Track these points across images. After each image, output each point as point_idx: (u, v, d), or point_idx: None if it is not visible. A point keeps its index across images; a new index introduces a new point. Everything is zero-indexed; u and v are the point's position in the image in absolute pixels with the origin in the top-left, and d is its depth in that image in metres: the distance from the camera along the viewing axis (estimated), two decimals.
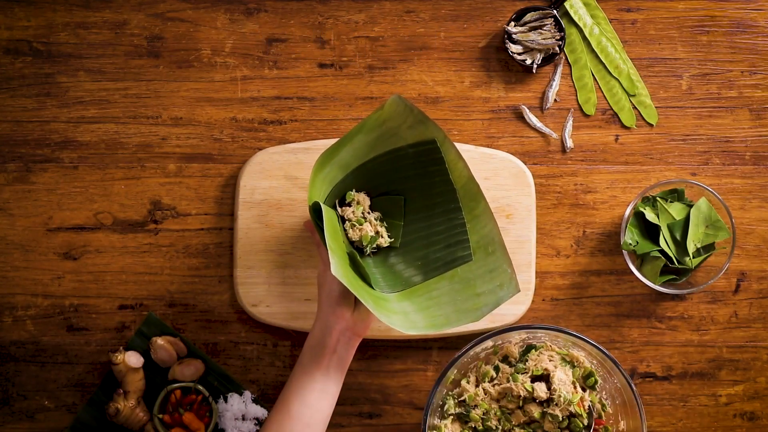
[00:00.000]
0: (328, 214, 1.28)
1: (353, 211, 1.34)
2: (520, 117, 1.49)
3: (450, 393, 1.40)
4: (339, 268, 1.22)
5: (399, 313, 1.30)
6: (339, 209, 1.35)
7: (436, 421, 1.38)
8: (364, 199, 1.36)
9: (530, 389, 1.38)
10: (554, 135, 1.48)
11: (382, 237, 1.36)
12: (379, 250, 1.37)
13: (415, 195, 1.36)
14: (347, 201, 1.36)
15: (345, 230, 1.34)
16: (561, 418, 1.36)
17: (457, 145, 1.45)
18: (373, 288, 1.32)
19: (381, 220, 1.37)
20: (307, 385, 1.28)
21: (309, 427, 1.27)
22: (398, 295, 1.34)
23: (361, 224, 1.34)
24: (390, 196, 1.37)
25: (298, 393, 1.28)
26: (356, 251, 1.35)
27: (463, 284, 1.34)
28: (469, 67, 1.49)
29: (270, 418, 1.29)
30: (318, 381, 1.29)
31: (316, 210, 1.29)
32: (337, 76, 1.48)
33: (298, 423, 1.27)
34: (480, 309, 1.32)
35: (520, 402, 1.39)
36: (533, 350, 1.41)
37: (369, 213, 1.36)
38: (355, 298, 1.29)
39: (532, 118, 1.48)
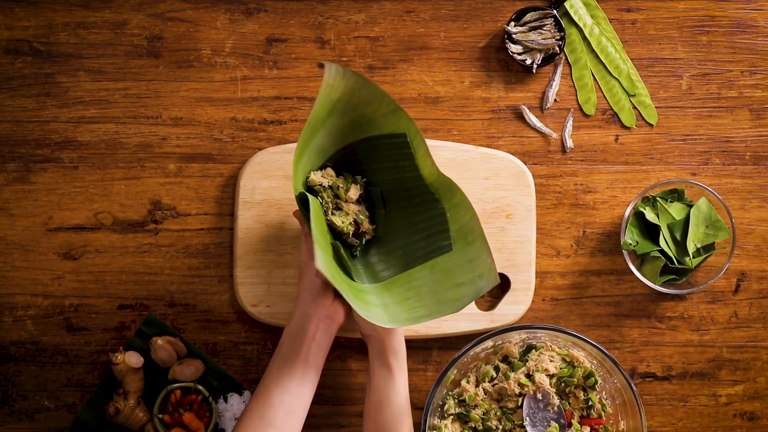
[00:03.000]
0: (314, 205, 1.27)
1: (322, 178, 1.31)
2: (520, 117, 1.49)
3: (450, 393, 1.40)
4: (323, 261, 1.21)
5: (378, 306, 1.29)
6: (311, 176, 1.31)
7: (436, 421, 1.38)
8: (331, 177, 1.34)
9: (526, 383, 1.38)
10: (554, 135, 1.48)
11: (363, 225, 1.33)
12: (361, 239, 1.36)
13: (393, 186, 1.35)
14: (312, 182, 1.32)
15: (327, 219, 1.32)
16: None
17: (457, 145, 1.45)
18: (353, 280, 1.32)
19: (360, 202, 1.35)
20: (287, 373, 1.29)
21: (290, 414, 1.28)
22: (378, 287, 1.33)
23: (336, 190, 1.32)
24: (370, 187, 1.36)
25: (279, 381, 1.29)
26: (340, 243, 1.33)
27: (443, 274, 1.32)
28: (469, 67, 1.49)
29: (250, 407, 1.29)
30: (298, 369, 1.29)
31: (302, 200, 1.29)
32: None
33: (278, 410, 1.28)
34: (460, 299, 1.30)
35: (520, 401, 1.39)
36: (533, 350, 1.41)
37: (349, 194, 1.34)
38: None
39: (532, 118, 1.48)
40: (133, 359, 1.42)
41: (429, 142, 1.44)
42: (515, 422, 1.39)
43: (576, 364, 1.40)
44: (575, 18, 1.48)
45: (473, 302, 1.44)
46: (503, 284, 1.47)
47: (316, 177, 1.31)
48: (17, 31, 1.48)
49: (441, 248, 1.33)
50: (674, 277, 1.44)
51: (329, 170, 1.33)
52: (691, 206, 1.43)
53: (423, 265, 1.33)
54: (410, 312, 1.30)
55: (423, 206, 1.34)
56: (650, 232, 1.44)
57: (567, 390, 1.40)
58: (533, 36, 1.46)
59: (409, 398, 1.32)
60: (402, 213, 1.36)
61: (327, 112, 1.27)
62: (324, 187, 1.32)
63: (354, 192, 1.33)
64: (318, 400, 1.47)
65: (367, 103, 1.28)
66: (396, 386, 1.31)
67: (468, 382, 1.40)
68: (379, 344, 1.31)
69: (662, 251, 1.42)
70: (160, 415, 1.43)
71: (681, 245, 1.42)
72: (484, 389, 1.40)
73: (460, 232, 1.32)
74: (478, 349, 1.37)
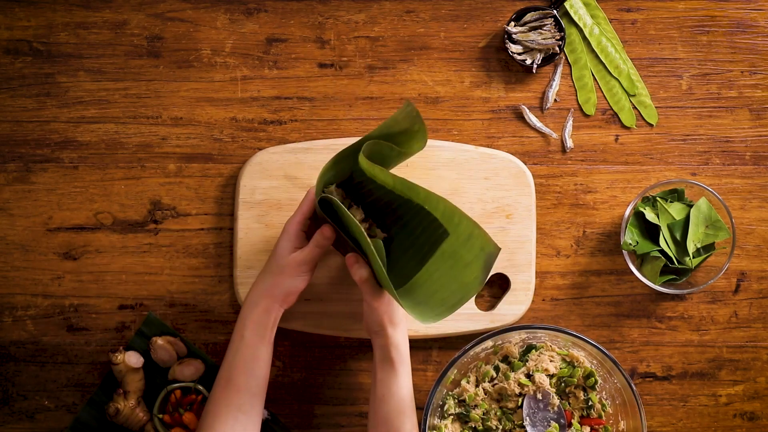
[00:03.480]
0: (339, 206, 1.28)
1: (336, 194, 1.34)
2: (520, 117, 1.49)
3: (450, 393, 1.40)
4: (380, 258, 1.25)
5: (408, 308, 1.30)
6: (330, 188, 1.34)
7: (436, 421, 1.38)
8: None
9: (526, 383, 1.38)
10: (554, 135, 1.48)
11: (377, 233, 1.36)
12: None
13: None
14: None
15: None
16: None
17: (457, 145, 1.46)
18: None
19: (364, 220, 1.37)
20: (252, 359, 1.32)
21: (255, 396, 1.32)
22: (401, 291, 1.34)
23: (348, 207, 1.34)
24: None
25: (245, 367, 1.32)
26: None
27: (453, 259, 1.32)
28: (469, 67, 1.49)
29: (217, 392, 1.32)
30: (264, 353, 1.33)
31: (324, 204, 1.30)
32: (337, 76, 1.48)
33: (246, 394, 1.31)
34: (477, 277, 1.30)
35: (520, 401, 1.39)
36: (533, 350, 1.41)
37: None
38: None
39: (532, 118, 1.48)
40: (133, 359, 1.42)
41: (429, 142, 1.44)
42: (515, 422, 1.39)
43: (576, 364, 1.40)
44: (575, 18, 1.48)
45: (473, 302, 1.45)
46: (503, 284, 1.47)
47: (332, 191, 1.34)
48: (17, 31, 1.48)
49: (440, 235, 1.33)
50: (674, 277, 1.44)
51: (336, 187, 1.35)
52: (691, 206, 1.43)
53: (434, 257, 1.33)
54: (443, 304, 1.30)
55: (402, 209, 1.34)
56: (650, 232, 1.44)
57: (567, 390, 1.40)
58: (533, 36, 1.46)
59: (412, 392, 1.32)
60: (390, 220, 1.36)
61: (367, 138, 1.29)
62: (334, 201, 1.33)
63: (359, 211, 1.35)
64: (318, 400, 1.47)
65: (401, 133, 1.29)
66: (398, 380, 1.31)
67: (468, 382, 1.40)
68: (382, 341, 1.32)
69: (662, 251, 1.42)
70: (160, 415, 1.43)
71: (681, 245, 1.42)
72: (484, 389, 1.40)
73: (445, 217, 1.32)
74: (478, 349, 1.37)
